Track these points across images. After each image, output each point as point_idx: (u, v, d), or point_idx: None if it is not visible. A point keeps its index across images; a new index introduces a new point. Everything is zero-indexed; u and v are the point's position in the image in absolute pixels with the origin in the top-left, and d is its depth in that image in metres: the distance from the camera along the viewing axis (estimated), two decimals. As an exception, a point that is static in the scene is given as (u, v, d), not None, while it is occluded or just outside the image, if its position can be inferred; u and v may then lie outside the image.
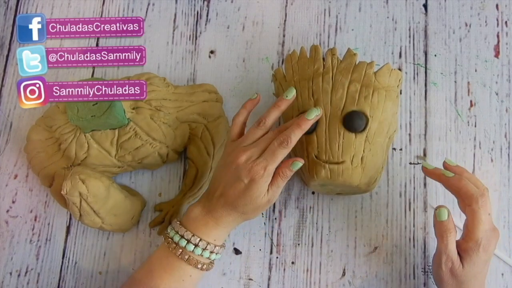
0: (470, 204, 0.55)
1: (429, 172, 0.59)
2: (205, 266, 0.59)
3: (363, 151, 0.61)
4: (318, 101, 0.62)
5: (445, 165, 0.59)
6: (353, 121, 0.60)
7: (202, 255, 0.58)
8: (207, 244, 0.58)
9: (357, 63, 0.63)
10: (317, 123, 0.61)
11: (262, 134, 0.60)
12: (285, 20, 0.76)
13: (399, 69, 0.72)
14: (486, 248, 0.55)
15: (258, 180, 0.56)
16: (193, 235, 0.58)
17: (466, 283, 0.56)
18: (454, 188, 0.57)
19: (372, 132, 0.61)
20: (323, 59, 0.65)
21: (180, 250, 0.58)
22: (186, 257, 0.57)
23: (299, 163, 0.58)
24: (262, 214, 0.68)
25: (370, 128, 0.61)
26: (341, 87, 0.62)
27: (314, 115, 0.59)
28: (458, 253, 0.56)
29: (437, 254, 0.57)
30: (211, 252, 0.58)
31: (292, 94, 0.61)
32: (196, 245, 0.58)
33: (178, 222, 0.59)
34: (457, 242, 0.56)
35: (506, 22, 0.74)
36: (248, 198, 0.57)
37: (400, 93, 0.71)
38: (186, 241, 0.58)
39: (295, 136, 0.58)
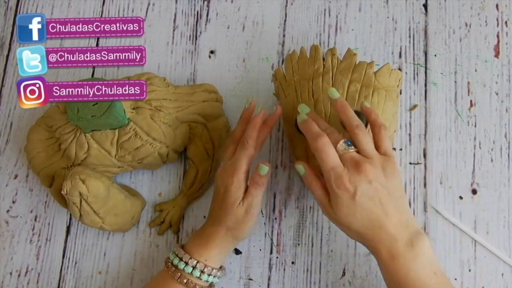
0: (310, 146, 0.55)
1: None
2: (197, 287, 0.58)
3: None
4: (318, 101, 0.62)
5: (361, 106, 0.59)
6: (353, 121, 0.60)
7: (192, 274, 0.58)
8: (197, 263, 0.58)
9: (357, 63, 0.63)
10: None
11: (234, 148, 0.61)
12: (285, 20, 0.76)
13: (399, 69, 0.73)
14: (338, 184, 0.53)
15: (228, 187, 0.58)
16: (185, 254, 0.58)
17: (349, 225, 0.54)
18: (304, 132, 0.57)
19: (372, 132, 0.61)
20: (323, 59, 0.65)
21: (173, 268, 0.59)
22: (178, 275, 0.58)
23: (265, 166, 0.58)
24: (262, 213, 0.68)
25: (370, 128, 0.61)
26: (341, 87, 0.62)
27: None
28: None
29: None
30: (202, 272, 0.58)
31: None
32: (186, 263, 0.58)
33: (179, 245, 0.61)
34: None
35: (506, 22, 0.74)
36: (225, 207, 0.58)
37: (400, 93, 0.71)
38: (178, 259, 0.58)
39: (249, 135, 0.59)
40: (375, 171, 0.53)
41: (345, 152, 0.54)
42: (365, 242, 0.55)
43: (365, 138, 0.55)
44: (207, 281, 0.59)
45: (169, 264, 0.59)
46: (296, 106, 0.63)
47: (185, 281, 0.58)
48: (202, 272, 0.58)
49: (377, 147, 0.56)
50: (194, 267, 0.58)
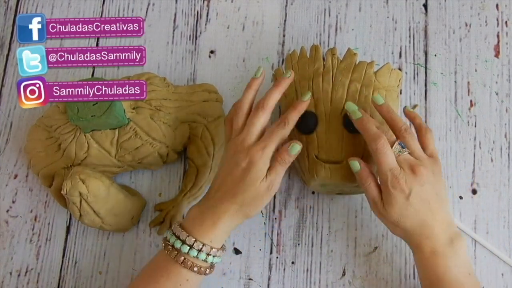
0: (369, 145, 0.57)
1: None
2: (202, 269, 0.56)
3: (363, 150, 0.61)
4: (318, 101, 0.62)
5: (404, 110, 0.61)
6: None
7: (197, 257, 0.56)
8: (203, 246, 0.55)
9: (357, 63, 0.63)
10: (317, 123, 0.61)
11: (245, 119, 0.59)
12: (285, 20, 0.76)
13: (399, 69, 0.73)
14: (394, 185, 0.55)
15: (256, 162, 0.55)
16: (188, 236, 0.55)
17: (398, 223, 0.56)
18: (360, 130, 0.58)
19: (372, 132, 0.61)
20: (323, 59, 0.65)
21: (175, 252, 0.56)
22: (182, 259, 0.55)
23: (297, 145, 0.57)
24: (262, 213, 0.68)
25: (370, 128, 0.61)
26: (342, 87, 0.62)
27: (308, 96, 0.59)
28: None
29: (368, 202, 0.59)
30: (208, 255, 0.56)
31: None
32: (191, 247, 0.55)
33: (177, 224, 0.58)
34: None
35: (506, 22, 0.74)
36: (246, 183, 0.56)
37: (400, 93, 0.71)
38: (181, 242, 0.56)
39: (292, 118, 0.58)
40: (427, 174, 0.56)
41: (399, 154, 0.57)
42: (409, 239, 0.57)
43: (415, 141, 0.58)
44: (211, 262, 0.57)
45: (170, 247, 0.56)
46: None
47: (189, 264, 0.55)
48: (208, 254, 0.56)
49: (424, 149, 0.59)
50: (199, 250, 0.55)
